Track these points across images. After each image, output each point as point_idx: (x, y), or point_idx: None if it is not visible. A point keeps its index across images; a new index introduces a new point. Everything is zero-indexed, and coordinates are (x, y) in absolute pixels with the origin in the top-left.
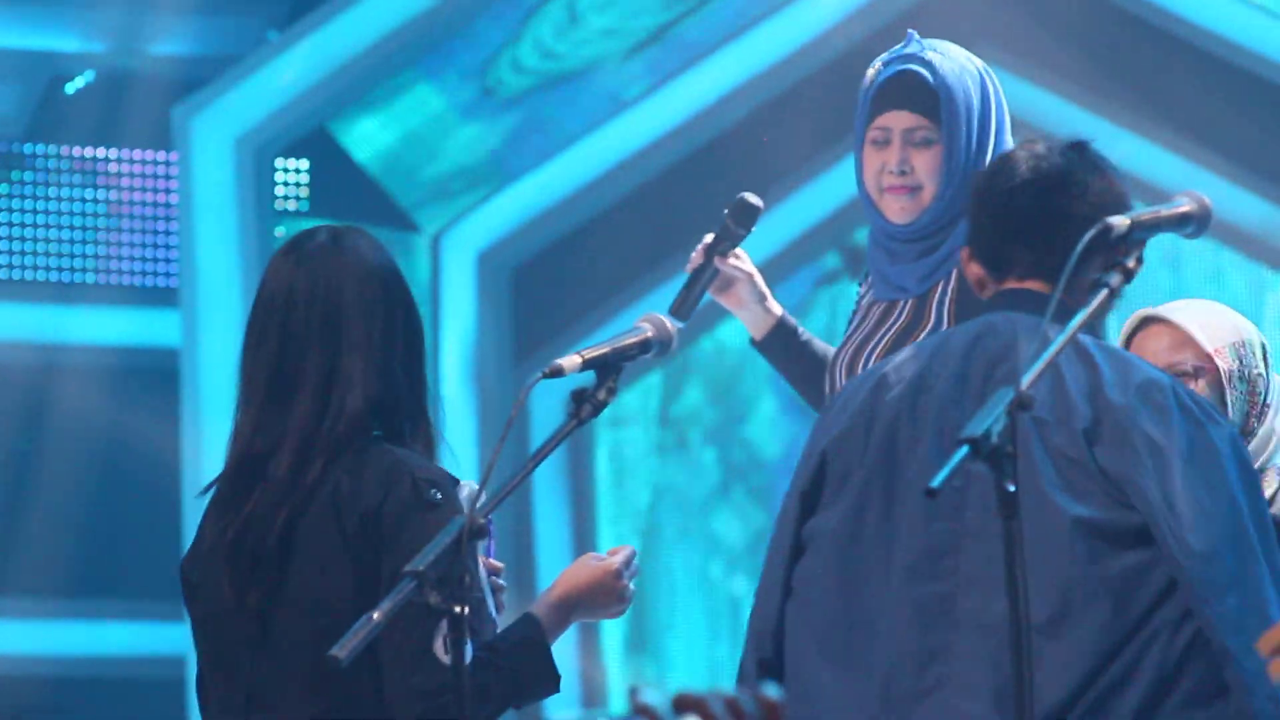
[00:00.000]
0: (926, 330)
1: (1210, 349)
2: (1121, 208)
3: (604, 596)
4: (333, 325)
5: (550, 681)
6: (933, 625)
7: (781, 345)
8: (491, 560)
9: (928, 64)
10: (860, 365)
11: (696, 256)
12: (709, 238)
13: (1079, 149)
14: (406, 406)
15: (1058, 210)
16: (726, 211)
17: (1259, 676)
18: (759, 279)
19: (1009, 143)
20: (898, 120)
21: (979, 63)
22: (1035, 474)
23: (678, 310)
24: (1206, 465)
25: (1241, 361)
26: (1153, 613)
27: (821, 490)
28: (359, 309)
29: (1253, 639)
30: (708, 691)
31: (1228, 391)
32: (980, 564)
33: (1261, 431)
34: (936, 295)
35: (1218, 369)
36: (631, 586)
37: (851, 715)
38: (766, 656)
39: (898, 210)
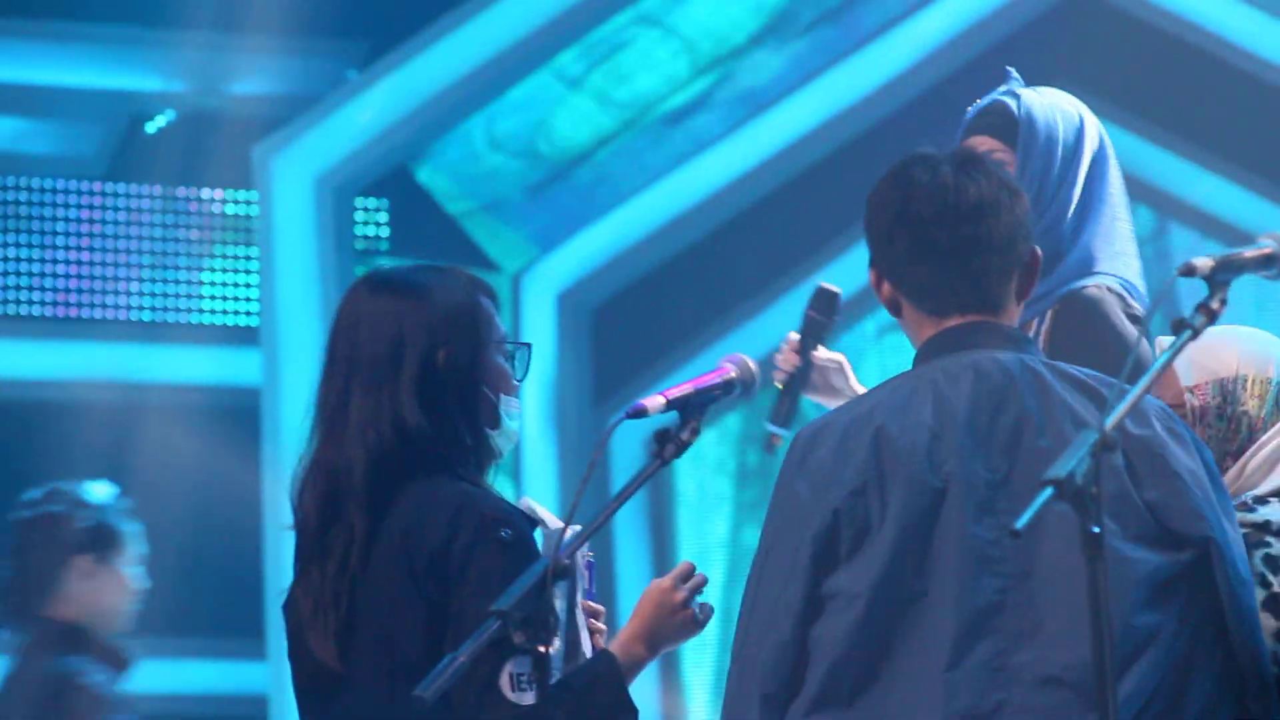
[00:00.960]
0: None
1: (1190, 384)
2: (1027, 220)
3: (671, 620)
4: (349, 362)
5: (626, 716)
6: (990, 683)
7: None
8: (591, 603)
9: (1016, 96)
10: None
11: (787, 359)
12: (795, 337)
13: (979, 164)
14: (432, 446)
15: (986, 237)
16: (808, 305)
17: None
18: (846, 364)
19: (1110, 194)
20: (977, 144)
21: (1084, 110)
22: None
23: (781, 421)
24: (1222, 490)
25: (1224, 399)
26: (1193, 651)
27: (836, 547)
28: (369, 346)
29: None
30: None
31: (1196, 429)
32: (1027, 616)
33: (1231, 471)
34: (1046, 331)
35: (1186, 406)
36: (696, 607)
37: None
38: (770, 693)
39: None
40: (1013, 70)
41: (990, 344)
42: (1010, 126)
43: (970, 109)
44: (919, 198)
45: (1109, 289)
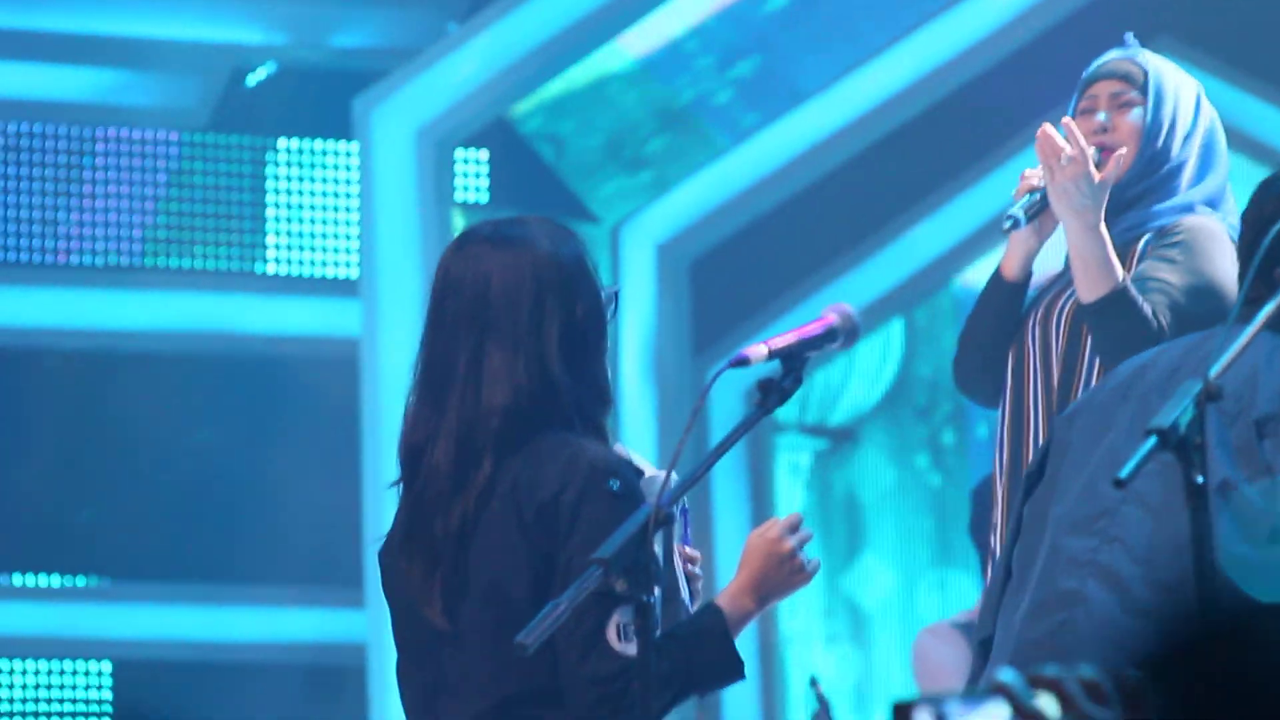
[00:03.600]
0: None
1: None
2: None
3: (780, 571)
4: (478, 316)
5: (733, 670)
6: (1066, 572)
7: (1016, 294)
8: (688, 549)
9: (1139, 53)
10: (1055, 315)
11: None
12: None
13: None
14: (568, 398)
15: None
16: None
17: None
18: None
19: (1222, 168)
20: (1105, 87)
21: (1197, 84)
22: (1214, 467)
23: (1026, 211)
24: None
25: None
26: None
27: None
28: (505, 300)
29: None
30: (1063, 672)
31: None
32: (1127, 527)
33: None
34: (1136, 251)
35: None
36: (804, 556)
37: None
38: (986, 636)
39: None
40: (1130, 35)
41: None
42: (1136, 73)
43: (1089, 68)
44: None
45: (1225, 228)
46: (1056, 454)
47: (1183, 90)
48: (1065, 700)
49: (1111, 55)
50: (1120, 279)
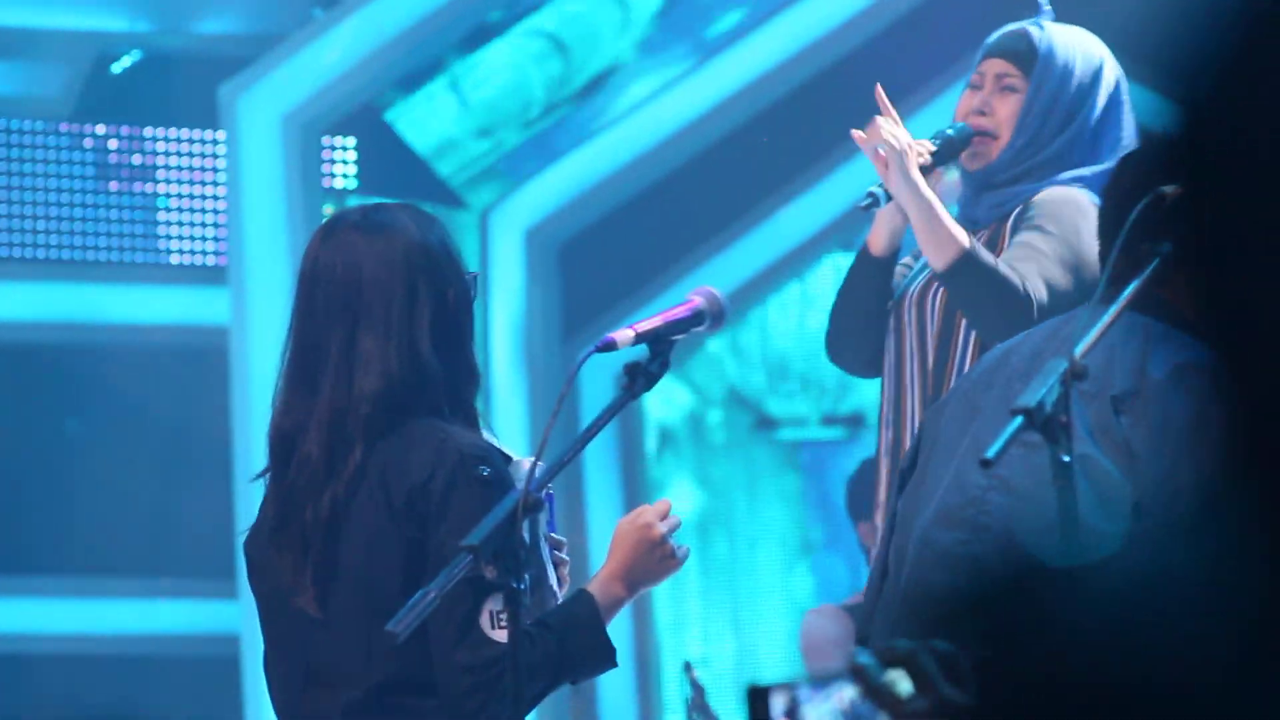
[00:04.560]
0: None
1: None
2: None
3: (650, 558)
4: (351, 304)
5: (605, 657)
6: (942, 566)
7: (884, 269)
8: (554, 535)
9: (1041, 28)
10: (929, 296)
11: (920, 159)
12: (930, 146)
13: None
14: (439, 384)
15: None
16: (951, 133)
17: None
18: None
19: (1123, 139)
20: (993, 66)
21: (1106, 54)
22: (1075, 445)
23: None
24: None
25: None
26: None
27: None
28: (377, 287)
29: None
30: (915, 646)
31: None
32: (993, 515)
33: None
34: (1007, 229)
35: None
36: (674, 544)
37: None
38: (864, 635)
39: (969, 156)
40: (1044, 2)
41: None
42: (1028, 54)
43: (990, 37)
44: None
45: (1087, 197)
46: (927, 445)
47: (1074, 72)
48: (918, 676)
49: (1011, 27)
50: (967, 243)
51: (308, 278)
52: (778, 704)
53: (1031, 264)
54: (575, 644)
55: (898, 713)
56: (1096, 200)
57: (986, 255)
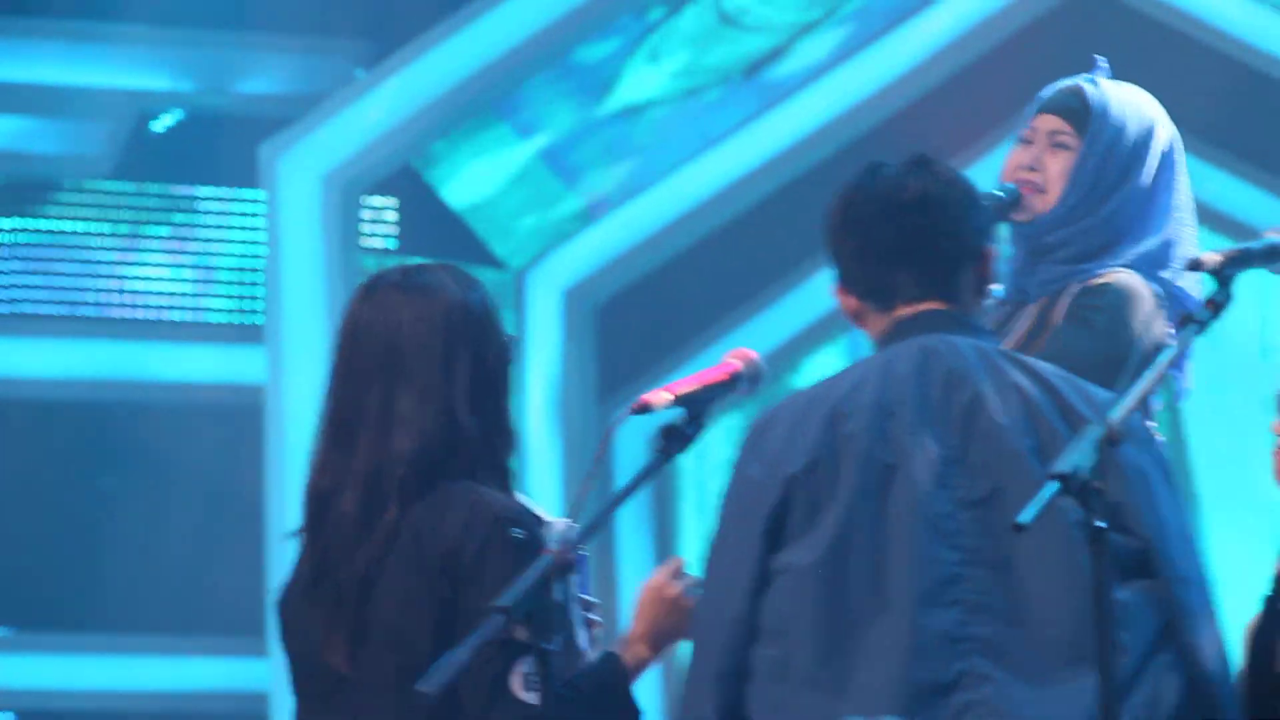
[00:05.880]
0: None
1: None
2: (981, 212)
3: (670, 617)
4: (388, 364)
5: (630, 718)
6: (951, 653)
7: None
8: (586, 597)
9: (1096, 84)
10: None
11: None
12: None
13: (927, 163)
14: (475, 446)
15: (931, 228)
16: (1000, 194)
17: (1233, 704)
18: None
19: (1176, 205)
20: (1045, 123)
21: (1162, 116)
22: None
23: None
24: (1174, 486)
25: None
26: (1155, 647)
27: (787, 523)
28: (416, 347)
29: (1226, 664)
30: None
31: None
32: (985, 591)
33: None
34: (1062, 306)
35: None
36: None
37: None
38: (732, 700)
39: (1018, 211)
40: (1100, 59)
41: (942, 329)
42: (1082, 111)
43: (1045, 91)
44: (861, 200)
45: (1150, 286)
46: (803, 507)
47: (1127, 130)
48: None
49: (1065, 83)
50: None
51: (347, 336)
52: None
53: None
54: (602, 706)
55: None
56: (1153, 283)
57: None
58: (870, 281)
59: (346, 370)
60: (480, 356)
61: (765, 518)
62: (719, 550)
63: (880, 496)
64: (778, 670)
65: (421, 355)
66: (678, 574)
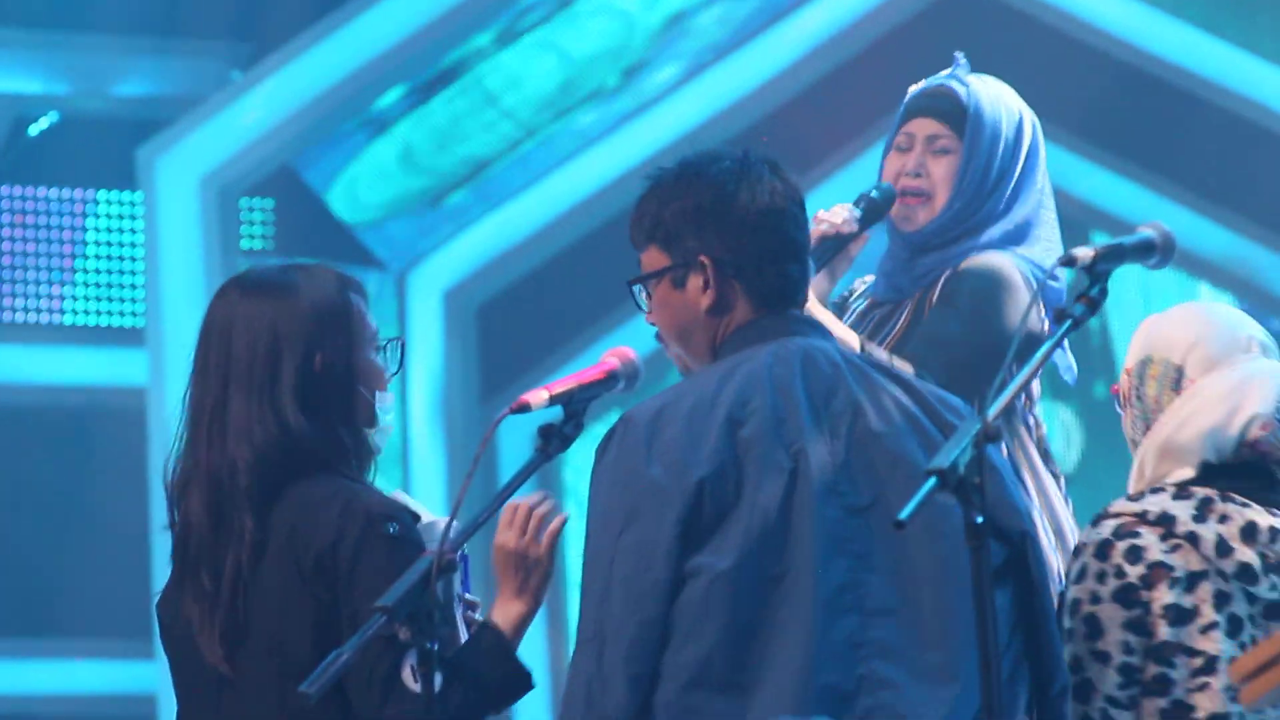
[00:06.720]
0: None
1: (1126, 365)
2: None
3: (520, 565)
4: (223, 366)
5: (521, 683)
6: (852, 658)
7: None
8: (468, 596)
9: (965, 84)
10: None
11: (846, 225)
12: (854, 210)
13: (776, 166)
14: (313, 448)
15: (804, 234)
16: (875, 195)
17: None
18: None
19: (1038, 187)
20: (922, 127)
21: (1022, 105)
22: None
23: (830, 268)
24: (1021, 487)
25: (1139, 381)
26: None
27: (699, 526)
28: (246, 349)
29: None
30: None
31: (1125, 412)
32: (879, 596)
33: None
34: (933, 296)
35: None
36: (533, 540)
37: None
38: (640, 703)
39: (903, 219)
40: (960, 56)
41: (815, 334)
42: (956, 113)
43: (914, 87)
44: (747, 195)
45: (1018, 267)
46: (711, 513)
47: (1001, 129)
48: None
49: (933, 83)
50: (858, 346)
51: (201, 335)
52: None
53: (937, 358)
54: (489, 677)
55: None
56: (1020, 261)
57: (879, 355)
58: (770, 278)
59: (194, 371)
60: (308, 360)
61: (678, 521)
62: (621, 548)
63: (783, 503)
64: (692, 674)
65: (248, 357)
66: (510, 524)
